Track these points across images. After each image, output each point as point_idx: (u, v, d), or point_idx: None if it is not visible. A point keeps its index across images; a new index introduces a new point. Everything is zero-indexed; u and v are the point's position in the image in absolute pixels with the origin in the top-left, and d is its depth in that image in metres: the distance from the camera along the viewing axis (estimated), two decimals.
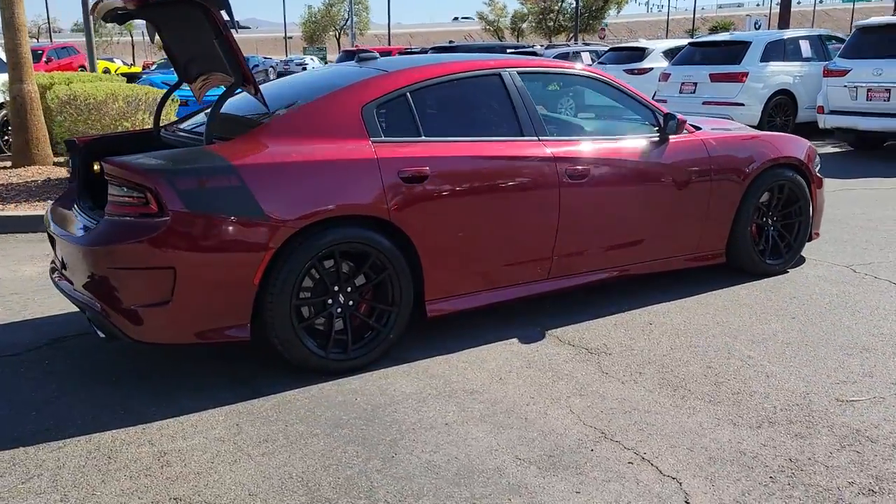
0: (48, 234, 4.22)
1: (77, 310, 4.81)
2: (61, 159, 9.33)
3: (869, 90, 10.46)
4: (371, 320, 3.94)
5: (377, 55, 4.71)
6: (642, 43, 15.00)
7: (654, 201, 4.73)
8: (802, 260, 5.70)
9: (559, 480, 2.90)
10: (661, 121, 4.81)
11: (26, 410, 3.55)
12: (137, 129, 4.96)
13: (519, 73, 4.46)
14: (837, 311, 4.65)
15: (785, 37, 12.59)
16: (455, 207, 4.05)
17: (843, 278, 5.30)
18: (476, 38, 68.81)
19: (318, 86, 4.28)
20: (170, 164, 3.50)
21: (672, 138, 4.80)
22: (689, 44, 13.43)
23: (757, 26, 33.45)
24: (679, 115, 4.76)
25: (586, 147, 4.49)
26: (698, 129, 5.12)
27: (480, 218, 4.13)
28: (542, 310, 4.70)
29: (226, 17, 3.64)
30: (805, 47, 12.61)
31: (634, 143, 4.69)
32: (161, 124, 4.73)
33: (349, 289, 3.88)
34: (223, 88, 4.01)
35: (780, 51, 12.33)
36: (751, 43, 12.21)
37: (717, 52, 12.69)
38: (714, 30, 36.21)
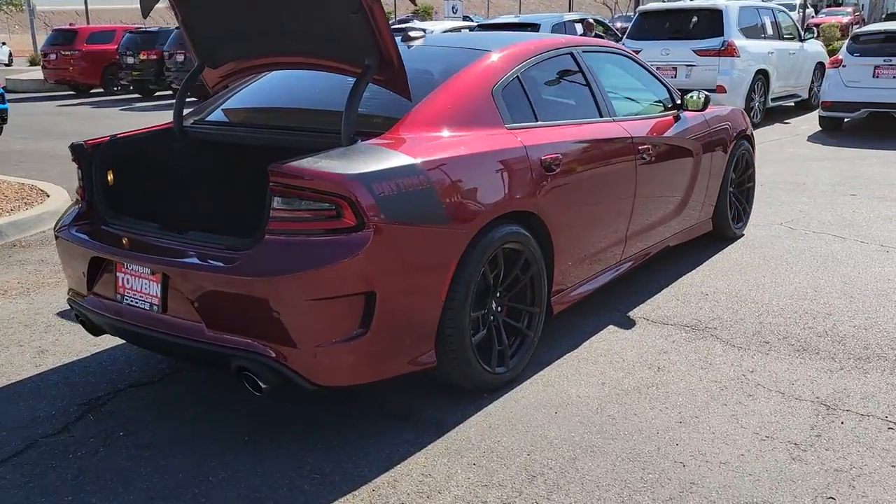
0: (94, 260, 3.23)
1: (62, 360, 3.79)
2: None
3: (657, 69, 11.62)
4: (520, 325, 3.59)
5: (424, 32, 4.23)
6: (420, 25, 15.20)
7: (685, 174, 4.87)
8: None
9: (865, 458, 2.90)
10: (676, 97, 4.96)
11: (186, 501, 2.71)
12: (152, 126, 3.91)
13: (583, 51, 4.31)
14: (833, 264, 5.17)
15: (565, 19, 13.54)
16: (577, 194, 3.82)
17: (795, 235, 5.90)
18: (159, 20, 63.86)
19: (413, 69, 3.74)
20: (360, 166, 2.85)
21: (688, 114, 4.96)
22: (479, 26, 13.86)
23: (454, 10, 35.37)
24: (704, 92, 4.93)
25: (646, 126, 4.49)
26: None
27: (592, 203, 3.95)
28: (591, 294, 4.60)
29: None
30: (579, 29, 13.68)
31: (669, 119, 4.77)
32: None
33: (498, 294, 3.49)
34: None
35: (562, 33, 13.22)
36: (540, 25, 12.96)
37: None
38: (416, 13, 37.78)
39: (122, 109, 17.07)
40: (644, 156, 4.33)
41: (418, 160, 3.01)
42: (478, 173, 3.23)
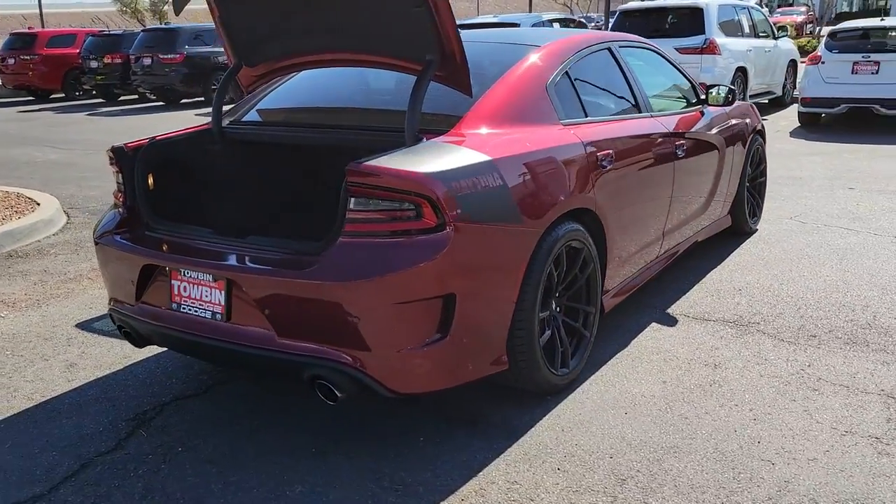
0: (145, 268, 3.06)
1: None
2: None
3: None
4: (578, 325, 3.51)
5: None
6: None
7: (712, 169, 4.86)
8: None
9: None
10: (700, 91, 4.94)
11: None
12: (188, 127, 3.74)
13: (620, 46, 4.26)
14: (854, 257, 5.20)
15: (544, 19, 13.55)
16: (626, 190, 3.77)
17: (807, 229, 5.93)
18: (109, 23, 62.18)
19: None
20: (438, 164, 2.75)
21: (711, 108, 4.95)
22: (461, 25, 13.77)
23: None
24: (728, 86, 4.91)
25: (679, 121, 4.45)
26: None
27: (638, 199, 3.91)
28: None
29: None
30: (556, 27, 13.70)
31: (697, 114, 4.75)
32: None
33: (557, 293, 3.41)
34: None
35: None
36: (520, 24, 12.93)
37: None
38: None
39: (88, 115, 16.62)
40: (679, 151, 4.30)
41: (492, 157, 2.92)
42: (545, 170, 3.15)
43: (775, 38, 13.37)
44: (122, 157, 3.28)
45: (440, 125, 3.11)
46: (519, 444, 3.00)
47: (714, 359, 3.71)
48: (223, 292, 2.86)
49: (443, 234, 2.69)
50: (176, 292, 3.00)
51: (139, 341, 3.30)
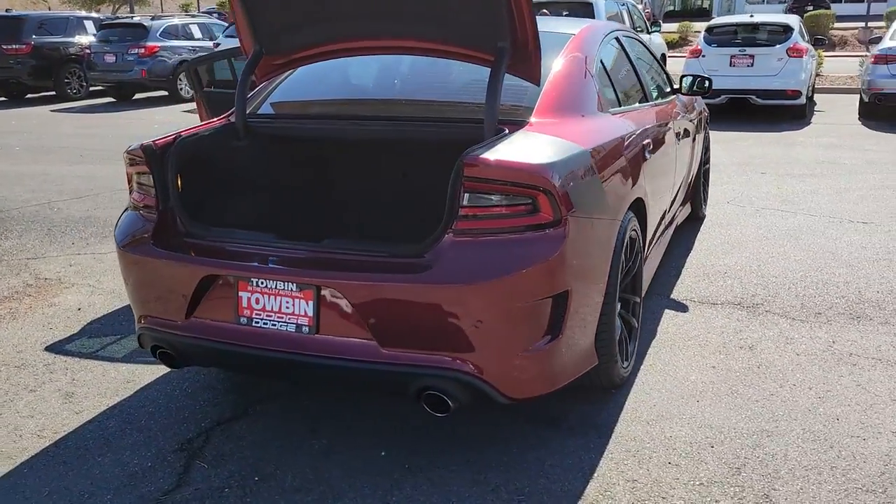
0: (203, 280, 2.70)
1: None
2: None
3: None
4: (629, 315, 3.47)
5: None
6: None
7: (690, 155, 5.00)
8: None
9: None
10: (673, 80, 5.05)
11: None
12: (213, 121, 3.32)
13: (623, 35, 4.25)
14: (807, 237, 5.50)
15: None
16: (656, 178, 3.78)
17: (748, 212, 6.23)
18: None
19: None
20: (546, 156, 2.60)
21: (682, 97, 5.07)
22: None
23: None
24: (696, 75, 5.03)
25: (670, 109, 4.53)
26: None
27: (661, 186, 3.95)
28: None
29: None
30: None
31: (675, 102, 4.84)
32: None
33: None
34: None
35: None
36: None
37: None
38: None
39: None
40: (677, 138, 4.37)
41: (586, 148, 2.82)
42: (621, 159, 3.10)
43: (649, 32, 14.01)
44: (152, 156, 2.89)
45: (513, 115, 2.97)
46: (614, 441, 2.92)
47: (745, 341, 3.79)
48: (311, 302, 2.58)
49: (560, 230, 2.55)
50: (245, 305, 2.67)
51: (179, 362, 2.93)
